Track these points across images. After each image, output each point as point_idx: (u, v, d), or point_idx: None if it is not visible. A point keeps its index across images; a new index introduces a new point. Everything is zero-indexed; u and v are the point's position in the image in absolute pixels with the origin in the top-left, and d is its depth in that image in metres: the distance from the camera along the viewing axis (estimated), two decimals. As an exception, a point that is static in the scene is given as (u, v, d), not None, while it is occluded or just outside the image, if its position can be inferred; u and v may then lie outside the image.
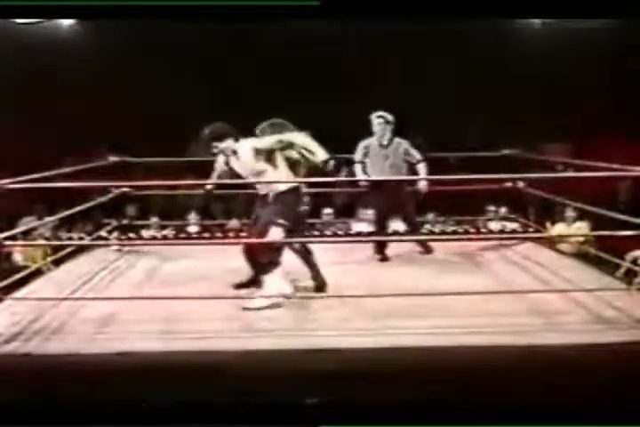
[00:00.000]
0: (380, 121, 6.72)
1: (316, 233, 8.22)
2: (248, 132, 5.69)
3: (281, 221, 5.07)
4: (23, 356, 4.20)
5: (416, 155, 6.80)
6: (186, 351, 4.13)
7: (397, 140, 6.80)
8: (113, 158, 7.55)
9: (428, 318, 4.62)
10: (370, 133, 6.77)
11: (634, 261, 6.73)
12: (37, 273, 6.19)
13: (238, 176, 5.37)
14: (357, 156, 6.79)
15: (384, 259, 6.67)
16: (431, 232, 8.32)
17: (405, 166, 6.80)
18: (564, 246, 7.36)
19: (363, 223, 8.90)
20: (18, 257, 7.91)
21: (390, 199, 6.67)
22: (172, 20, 7.64)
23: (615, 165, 5.18)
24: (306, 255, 5.53)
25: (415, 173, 6.81)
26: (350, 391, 3.72)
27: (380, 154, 6.74)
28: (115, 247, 7.10)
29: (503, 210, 8.91)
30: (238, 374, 3.85)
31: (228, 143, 5.21)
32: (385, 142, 6.75)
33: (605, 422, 3.68)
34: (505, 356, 4.10)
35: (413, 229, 7.00)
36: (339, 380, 3.76)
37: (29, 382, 3.91)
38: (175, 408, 3.71)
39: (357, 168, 6.79)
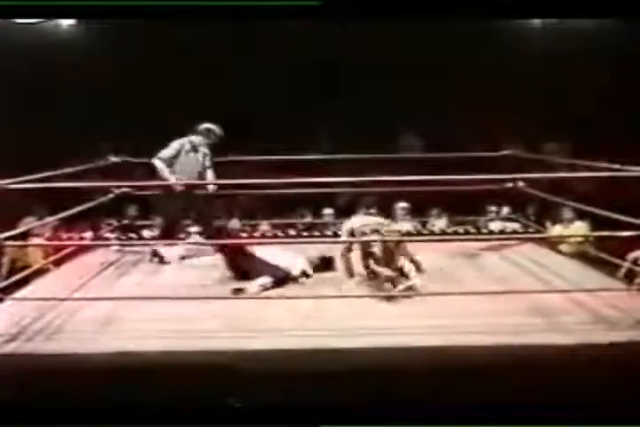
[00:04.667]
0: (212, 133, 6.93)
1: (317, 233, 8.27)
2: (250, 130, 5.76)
3: None
4: (24, 356, 4.20)
5: (208, 161, 6.96)
6: (186, 351, 4.13)
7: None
8: (114, 159, 7.55)
9: (428, 318, 4.63)
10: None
11: (634, 262, 6.72)
12: (38, 273, 6.18)
13: None
14: (166, 154, 6.80)
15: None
16: (431, 232, 8.32)
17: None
18: (563, 247, 7.35)
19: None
20: (18, 257, 7.88)
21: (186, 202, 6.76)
22: (171, 21, 7.64)
23: (615, 166, 5.19)
24: None
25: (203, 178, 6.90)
26: (350, 391, 3.72)
27: (191, 156, 6.84)
28: (115, 248, 7.10)
29: (505, 210, 8.90)
30: (238, 375, 3.85)
31: None
32: (197, 146, 6.90)
33: (605, 422, 3.68)
34: (505, 356, 4.10)
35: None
36: (339, 380, 3.76)
37: (29, 382, 3.91)
38: (175, 408, 3.71)
39: (162, 166, 6.74)
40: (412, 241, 7.14)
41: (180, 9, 4.32)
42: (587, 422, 3.67)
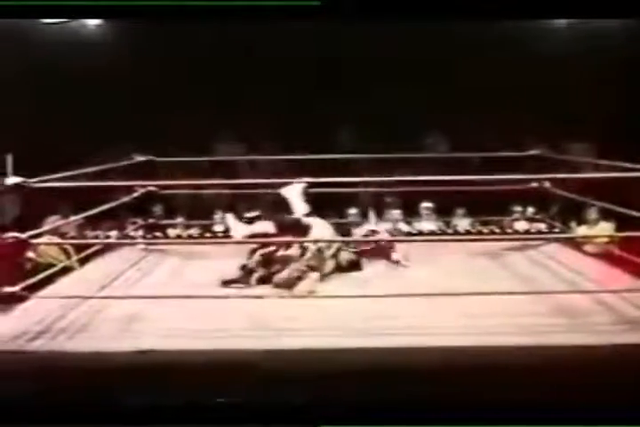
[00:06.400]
0: None
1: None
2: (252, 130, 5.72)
3: None
4: (47, 353, 4.23)
5: None
6: (185, 351, 4.13)
7: None
8: (139, 157, 7.59)
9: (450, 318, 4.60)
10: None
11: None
12: (63, 272, 6.22)
13: None
14: None
15: None
16: (456, 232, 8.29)
17: None
18: (588, 247, 7.29)
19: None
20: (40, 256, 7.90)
21: None
22: (173, 21, 7.66)
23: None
24: None
25: None
26: (350, 391, 3.71)
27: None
28: (141, 246, 7.13)
29: (530, 210, 8.86)
30: (238, 375, 3.84)
31: None
32: None
33: (615, 422, 3.64)
34: (528, 356, 4.07)
35: None
36: (338, 380, 3.74)
37: (52, 380, 3.93)
38: (176, 408, 3.71)
39: None
40: (436, 241, 7.15)
41: (181, 9, 4.30)
42: (595, 423, 3.63)
